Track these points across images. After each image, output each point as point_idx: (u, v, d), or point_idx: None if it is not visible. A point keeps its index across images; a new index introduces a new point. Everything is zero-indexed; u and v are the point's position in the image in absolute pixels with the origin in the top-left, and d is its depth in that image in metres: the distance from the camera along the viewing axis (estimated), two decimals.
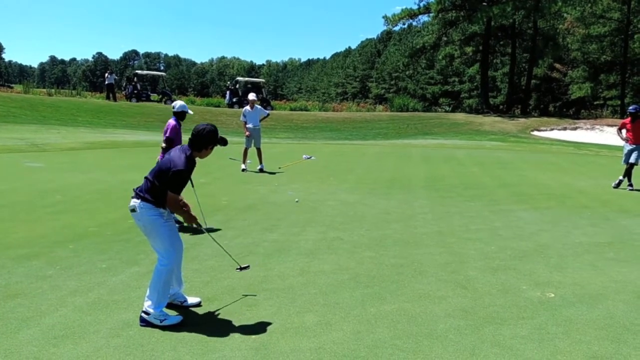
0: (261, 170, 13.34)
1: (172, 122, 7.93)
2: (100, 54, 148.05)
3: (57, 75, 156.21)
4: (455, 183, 12.35)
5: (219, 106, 41.14)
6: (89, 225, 7.41)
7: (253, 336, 4.17)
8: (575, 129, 31.54)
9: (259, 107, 14.14)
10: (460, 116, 38.23)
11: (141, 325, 4.29)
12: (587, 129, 31.43)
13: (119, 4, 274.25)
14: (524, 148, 22.69)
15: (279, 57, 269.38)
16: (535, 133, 30.53)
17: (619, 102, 40.69)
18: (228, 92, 42.13)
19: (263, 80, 59.33)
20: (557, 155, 19.96)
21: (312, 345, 4.04)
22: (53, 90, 43.49)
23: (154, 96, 40.87)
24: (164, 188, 4.28)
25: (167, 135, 7.82)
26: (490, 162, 16.88)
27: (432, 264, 6.12)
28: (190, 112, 8.16)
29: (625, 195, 11.39)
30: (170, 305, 4.62)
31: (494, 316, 4.65)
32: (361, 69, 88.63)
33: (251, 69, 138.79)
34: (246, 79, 54.48)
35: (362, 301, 4.94)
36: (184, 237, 7.00)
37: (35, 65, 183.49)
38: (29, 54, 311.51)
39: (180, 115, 8.01)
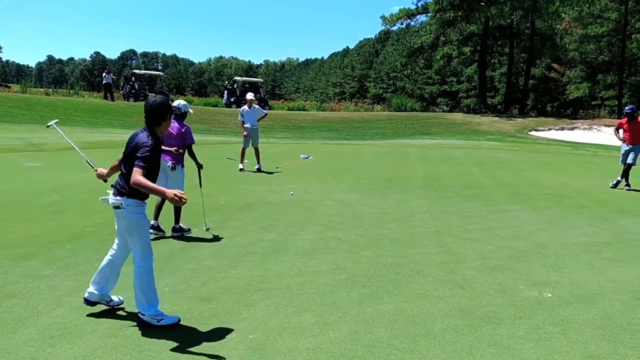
0: (259, 170, 13.33)
1: (177, 124, 7.22)
2: (97, 53, 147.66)
3: (54, 74, 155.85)
4: (453, 183, 12.36)
5: (216, 106, 41.14)
6: (86, 225, 7.39)
7: (250, 336, 4.16)
8: (572, 129, 31.60)
9: (257, 106, 14.13)
10: (458, 116, 38.27)
11: (140, 326, 4.28)
12: (585, 129, 31.49)
13: (116, 3, 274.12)
14: (521, 148, 22.72)
15: (277, 56, 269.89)
16: (533, 133, 30.58)
17: (617, 102, 40.79)
18: (226, 92, 42.12)
19: (261, 80, 59.31)
20: (554, 155, 19.98)
21: (310, 345, 4.04)
22: (50, 89, 43.43)
23: (151, 96, 40.68)
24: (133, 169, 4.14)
25: (193, 140, 7.30)
26: (488, 162, 16.90)
27: (429, 264, 6.12)
28: (191, 111, 7.63)
29: (623, 195, 11.41)
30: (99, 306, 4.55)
31: (491, 316, 4.65)
32: (359, 68, 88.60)
33: (249, 69, 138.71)
34: (244, 78, 54.46)
35: (359, 301, 4.94)
36: (182, 237, 7.00)
37: (32, 64, 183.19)
38: (26, 54, 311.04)
39: (184, 117, 7.41)
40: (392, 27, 46.27)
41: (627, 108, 12.31)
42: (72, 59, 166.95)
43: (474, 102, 52.69)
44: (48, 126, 5.52)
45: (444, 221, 8.40)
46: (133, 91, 38.41)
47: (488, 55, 44.45)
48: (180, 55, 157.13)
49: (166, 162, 6.96)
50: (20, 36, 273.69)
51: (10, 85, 62.24)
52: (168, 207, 7.21)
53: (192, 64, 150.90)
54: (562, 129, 31.66)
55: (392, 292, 5.18)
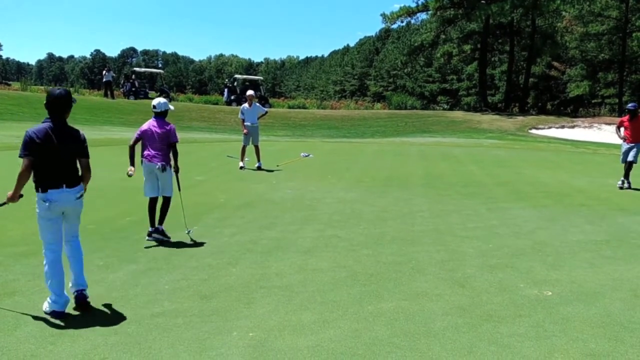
0: (259, 168, 13.32)
1: (158, 123, 6.78)
2: (98, 51, 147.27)
3: (54, 72, 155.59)
4: (453, 181, 12.36)
5: (217, 104, 41.10)
6: (86, 222, 7.36)
7: (250, 334, 4.17)
8: (573, 127, 31.57)
9: (257, 104, 14.12)
10: (458, 114, 38.25)
11: (82, 303, 4.52)
12: (585, 127, 31.46)
13: (117, 1, 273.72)
14: (521, 146, 22.71)
15: (277, 54, 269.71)
16: (533, 131, 30.56)
17: (617, 101, 40.73)
18: (226, 90, 42.05)
19: (261, 77, 59.24)
20: (554, 154, 19.98)
21: (310, 343, 4.05)
22: (51, 87, 43.37)
23: (152, 94, 40.73)
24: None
25: (177, 139, 6.84)
26: (488, 160, 16.89)
27: (429, 262, 6.12)
28: (171, 108, 7.09)
29: (622, 194, 11.40)
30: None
31: (492, 314, 4.65)
32: (359, 66, 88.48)
33: (249, 67, 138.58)
34: (244, 76, 54.37)
35: (359, 299, 4.94)
36: (183, 236, 6.99)
37: (33, 62, 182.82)
38: (26, 51, 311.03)
39: (164, 115, 6.89)
40: (392, 25, 46.14)
41: (629, 105, 12.25)
42: (72, 56, 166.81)
43: (474, 100, 52.61)
44: None
45: (444, 219, 8.40)
46: (133, 89, 38.38)
47: (488, 53, 44.36)
48: (180, 53, 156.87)
49: (155, 164, 6.68)
50: (21, 34, 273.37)
51: (10, 83, 62.23)
52: (172, 211, 7.20)
53: (192, 61, 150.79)
54: (563, 127, 31.63)
55: (392, 290, 5.18)
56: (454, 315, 4.60)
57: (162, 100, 6.98)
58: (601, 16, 39.61)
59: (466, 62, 49.37)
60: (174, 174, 6.90)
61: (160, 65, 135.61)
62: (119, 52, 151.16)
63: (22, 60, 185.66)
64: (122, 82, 42.85)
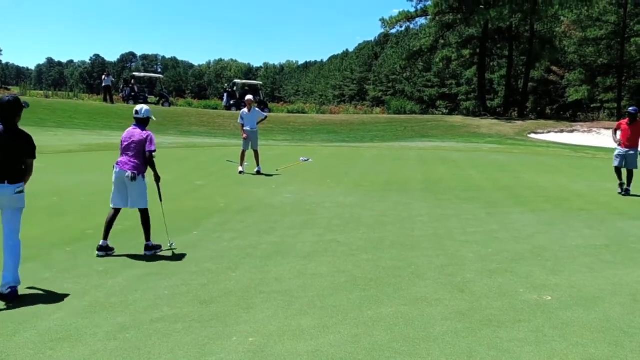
0: (258, 173, 13.33)
1: (137, 130, 6.51)
2: (97, 56, 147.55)
3: (54, 77, 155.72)
4: (452, 185, 12.36)
5: (216, 108, 41.12)
6: (85, 227, 7.39)
7: (250, 339, 4.17)
8: (572, 131, 31.61)
9: (257, 109, 14.14)
10: (457, 119, 38.29)
11: (12, 296, 4.77)
12: (584, 131, 31.50)
13: (116, 6, 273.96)
14: (521, 151, 22.74)
15: (277, 59, 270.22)
16: (532, 136, 30.58)
17: (616, 105, 40.81)
18: (225, 95, 42.08)
19: (260, 82, 59.28)
20: (554, 158, 20.00)
21: (309, 348, 4.04)
22: (50, 92, 43.46)
23: (151, 98, 40.80)
24: None
25: (153, 148, 6.44)
26: (487, 164, 16.91)
27: (429, 267, 6.12)
28: (153, 118, 6.73)
29: (621, 198, 11.41)
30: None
31: (491, 319, 4.65)
32: (358, 71, 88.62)
33: (249, 72, 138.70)
34: (243, 81, 54.40)
35: (359, 304, 4.94)
36: (181, 240, 6.99)
37: (32, 67, 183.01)
38: (26, 56, 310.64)
39: (146, 122, 6.60)
40: (391, 29, 46.25)
41: (630, 109, 12.23)
42: (71, 61, 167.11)
43: (473, 104, 52.70)
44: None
45: (443, 224, 8.40)
46: (132, 94, 38.36)
47: (487, 58, 44.45)
48: (179, 58, 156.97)
49: (124, 171, 6.32)
50: (20, 38, 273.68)
51: (10, 87, 62.39)
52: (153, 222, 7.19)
53: (191, 66, 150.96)
54: (562, 131, 31.67)
55: (392, 295, 5.18)
56: (454, 320, 4.60)
57: (145, 107, 6.68)
58: (599, 21, 39.77)
59: (465, 66, 49.50)
60: (145, 184, 6.47)
61: (159, 70, 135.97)
62: (118, 57, 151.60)
63: (21, 65, 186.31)
64: (121, 86, 42.81)
